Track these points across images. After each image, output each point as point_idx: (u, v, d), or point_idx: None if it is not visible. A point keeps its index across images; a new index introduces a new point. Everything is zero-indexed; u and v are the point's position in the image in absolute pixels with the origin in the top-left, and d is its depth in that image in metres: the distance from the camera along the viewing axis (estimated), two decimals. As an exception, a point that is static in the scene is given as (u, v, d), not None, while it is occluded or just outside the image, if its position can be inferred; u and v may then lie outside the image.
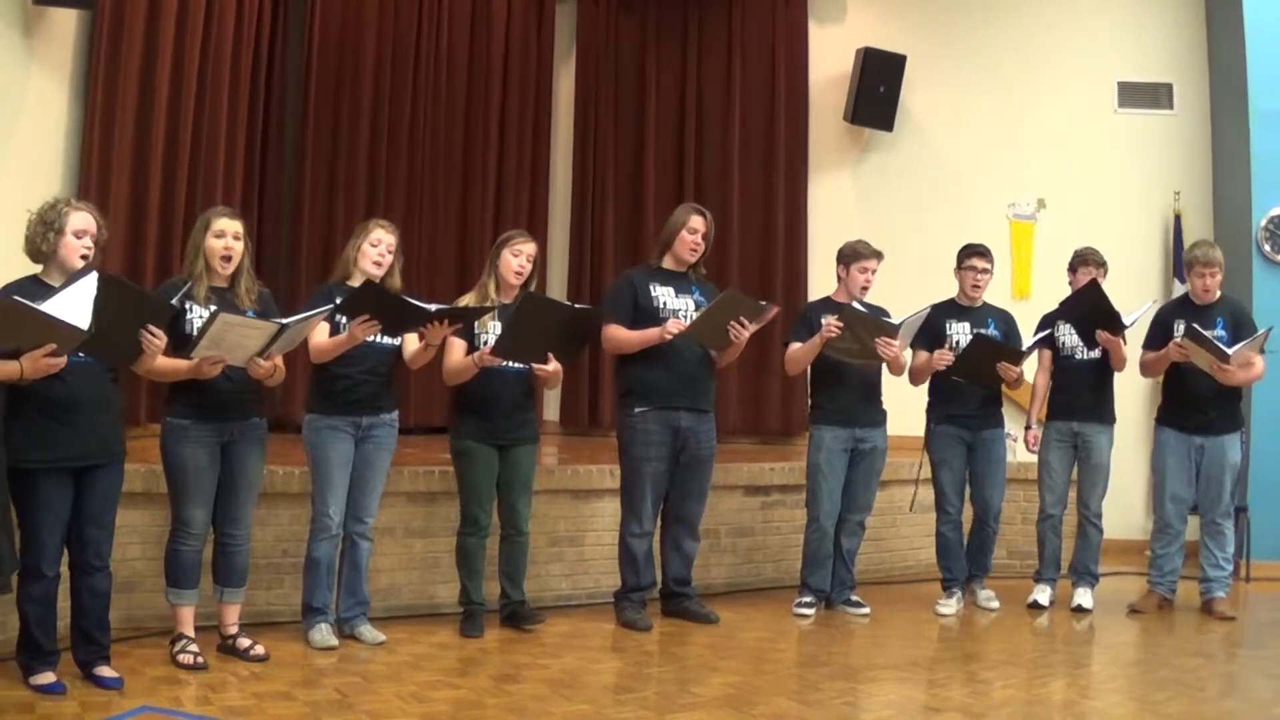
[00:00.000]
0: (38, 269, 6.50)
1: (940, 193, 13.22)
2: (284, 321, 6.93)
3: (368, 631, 7.92)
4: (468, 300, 8.31)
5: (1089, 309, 9.34)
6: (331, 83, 12.68)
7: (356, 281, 7.80)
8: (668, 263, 8.92)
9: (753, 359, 11.77)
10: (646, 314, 8.69)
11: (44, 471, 6.33)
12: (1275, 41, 11.95)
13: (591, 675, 7.42)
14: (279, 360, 7.12)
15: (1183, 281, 11.34)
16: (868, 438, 9.34)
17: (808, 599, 9.37)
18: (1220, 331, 9.36)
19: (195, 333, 6.78)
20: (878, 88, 13.12)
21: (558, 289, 13.60)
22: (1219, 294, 9.60)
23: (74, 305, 5.96)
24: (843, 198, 13.52)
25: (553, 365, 8.21)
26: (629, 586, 8.86)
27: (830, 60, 13.52)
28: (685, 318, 8.62)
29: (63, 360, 6.05)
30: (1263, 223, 11.81)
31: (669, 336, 8.51)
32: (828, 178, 13.62)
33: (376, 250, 7.84)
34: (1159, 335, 9.61)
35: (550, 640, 8.23)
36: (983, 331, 9.52)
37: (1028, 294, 12.71)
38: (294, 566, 8.13)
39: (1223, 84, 12.75)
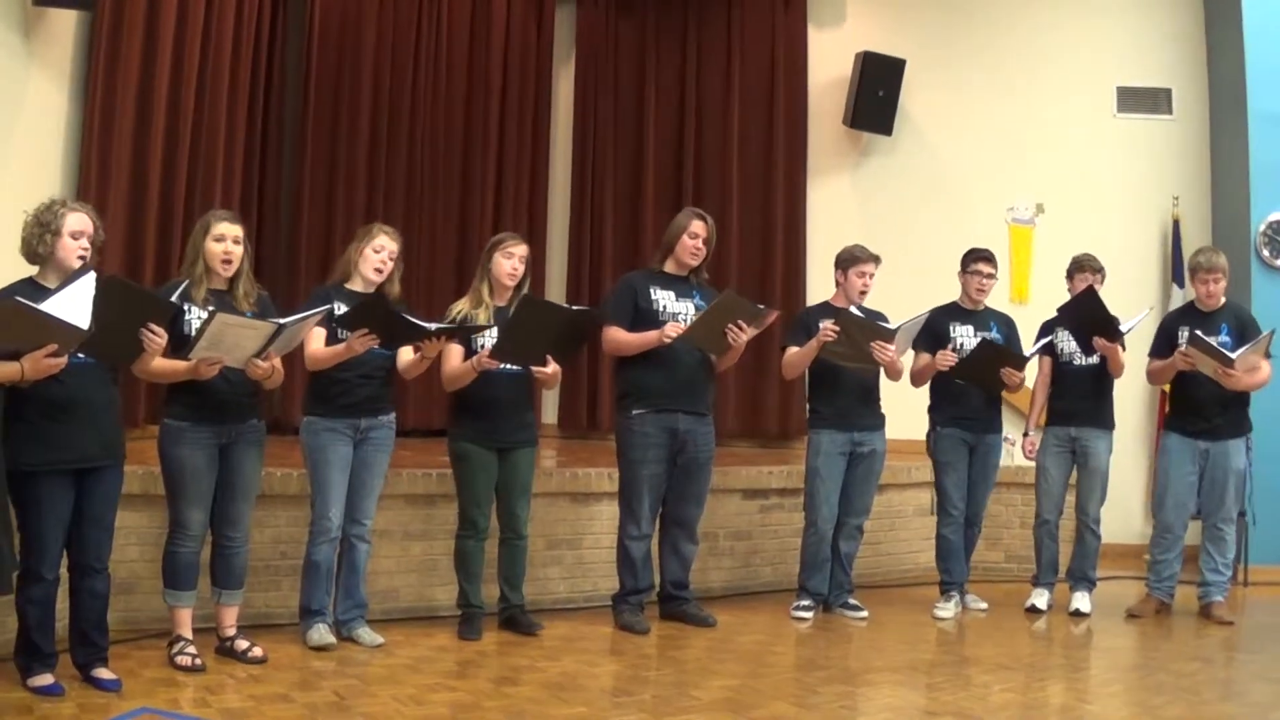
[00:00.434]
0: (35, 271, 6.50)
1: (939, 197, 13.22)
2: (281, 321, 6.93)
3: (366, 634, 7.92)
4: (461, 305, 8.28)
5: (1085, 316, 9.34)
6: (331, 85, 12.69)
7: (356, 284, 7.82)
8: (669, 266, 8.92)
9: (751, 363, 11.77)
10: (647, 317, 8.69)
11: (45, 473, 6.33)
12: (1274, 47, 11.96)
13: (589, 678, 7.42)
14: (277, 362, 7.11)
15: (1181, 286, 11.40)
16: (866, 441, 9.34)
17: (806, 602, 9.37)
18: (1225, 337, 9.35)
19: (193, 334, 6.77)
20: (877, 92, 13.12)
21: (556, 292, 13.60)
22: (1223, 300, 9.61)
23: (73, 305, 5.96)
24: (842, 202, 13.52)
25: (551, 367, 8.22)
26: (627, 589, 8.86)
27: (829, 64, 13.52)
28: (685, 321, 8.62)
29: (64, 360, 6.05)
30: (1261, 228, 11.81)
31: (668, 339, 8.51)
32: (827, 182, 13.63)
33: (379, 256, 7.84)
34: (1164, 343, 9.62)
35: (548, 643, 8.22)
36: (988, 336, 9.53)
37: (1026, 298, 12.70)
38: (292, 568, 8.13)
39: (1222, 89, 12.76)
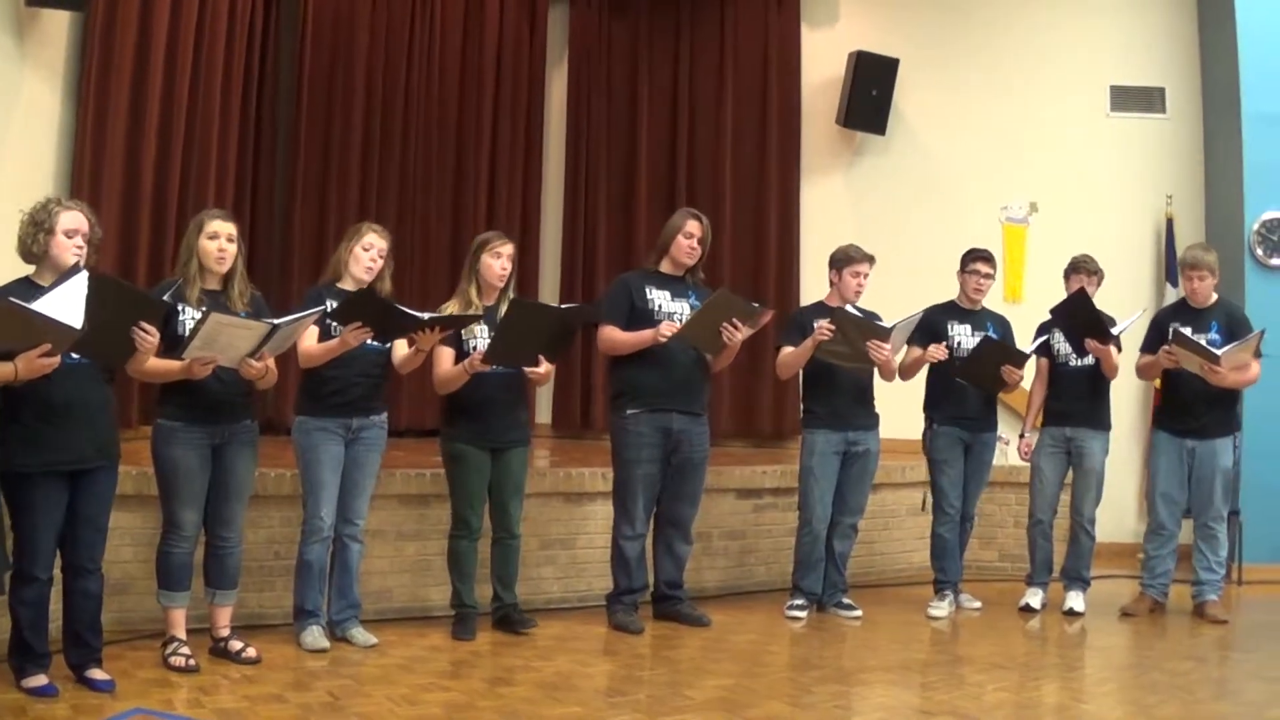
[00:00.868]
0: (31, 270, 6.49)
1: (933, 196, 13.22)
2: (276, 321, 6.92)
3: (359, 634, 7.91)
4: (450, 307, 8.25)
5: (1076, 318, 9.35)
6: (324, 85, 12.67)
7: (347, 284, 7.81)
8: (665, 266, 8.92)
9: (745, 362, 11.76)
10: (642, 316, 8.68)
11: (39, 475, 6.32)
12: (1267, 46, 11.97)
13: (583, 678, 7.42)
14: (271, 362, 7.11)
15: (1175, 286, 11.39)
16: (860, 441, 9.34)
17: (800, 602, 9.37)
18: (1214, 335, 9.37)
19: (187, 333, 6.76)
20: (870, 91, 13.12)
21: (550, 292, 13.60)
22: (1215, 298, 9.63)
23: (66, 304, 5.94)
24: (835, 201, 13.52)
25: (544, 367, 8.22)
26: (621, 589, 8.85)
27: (822, 63, 13.52)
28: (680, 321, 8.61)
29: (57, 360, 6.03)
30: (1255, 227, 11.83)
31: (663, 338, 8.50)
32: (820, 181, 13.62)
33: (369, 255, 7.84)
34: (1155, 339, 9.62)
35: (542, 643, 8.22)
36: (989, 335, 9.54)
37: (1019, 297, 12.71)
38: (285, 569, 8.12)
39: (1215, 88, 12.77)
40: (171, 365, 6.79)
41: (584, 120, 13.89)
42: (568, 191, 13.94)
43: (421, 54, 13.14)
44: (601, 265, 13.56)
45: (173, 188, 11.11)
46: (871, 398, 9.49)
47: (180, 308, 6.97)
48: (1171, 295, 12.04)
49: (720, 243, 12.72)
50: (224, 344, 6.76)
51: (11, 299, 5.88)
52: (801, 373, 9.46)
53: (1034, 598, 9.80)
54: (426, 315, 7.70)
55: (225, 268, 7.17)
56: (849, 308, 9.14)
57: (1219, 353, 9.03)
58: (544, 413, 13.59)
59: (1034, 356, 9.77)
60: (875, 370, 9.31)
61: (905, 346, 9.52)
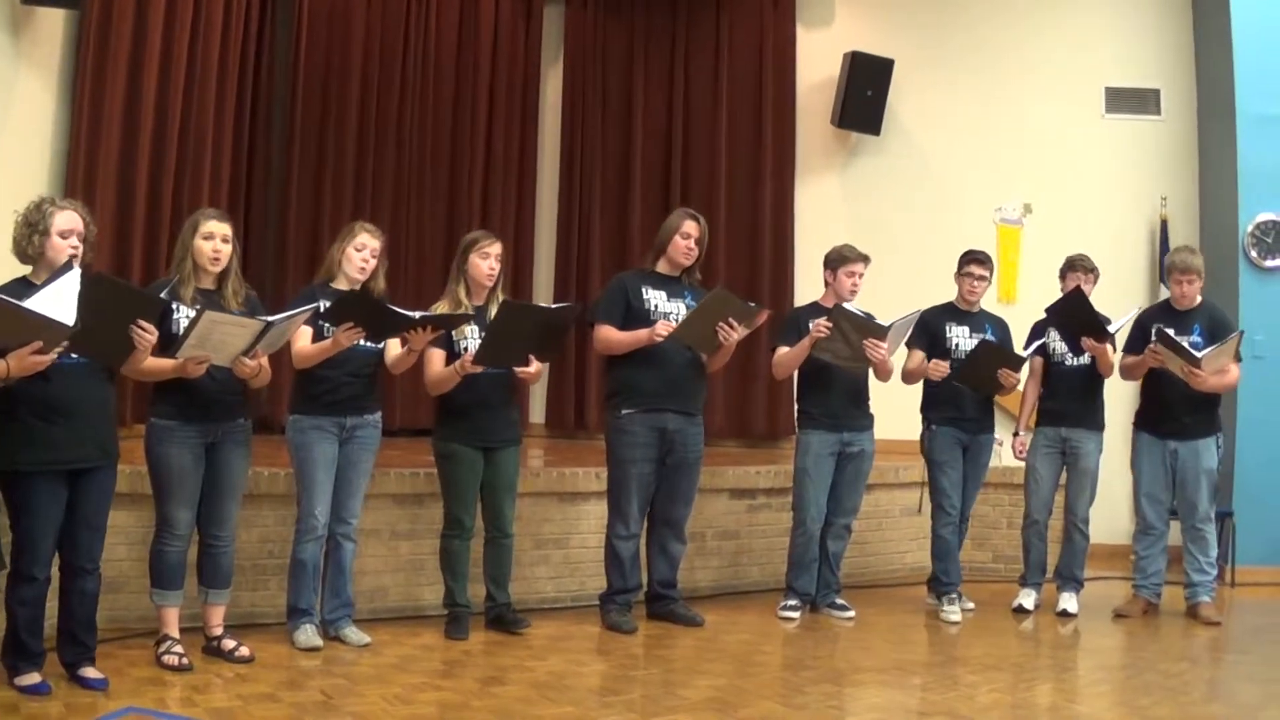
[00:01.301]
0: (28, 270, 6.49)
1: (927, 197, 13.23)
2: (269, 319, 6.92)
3: (353, 633, 7.91)
4: (439, 307, 8.24)
5: (1073, 316, 9.36)
6: (319, 84, 12.67)
7: (341, 283, 7.81)
8: (661, 267, 8.92)
9: (739, 362, 11.75)
10: (638, 316, 8.69)
11: (37, 474, 6.31)
12: (1262, 47, 11.96)
13: (577, 678, 7.42)
14: (264, 360, 7.11)
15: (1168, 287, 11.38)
16: (855, 441, 9.35)
17: (793, 602, 9.38)
18: (1196, 337, 9.39)
19: (181, 332, 6.75)
20: (865, 92, 13.12)
21: (544, 292, 13.62)
22: (1199, 300, 9.64)
23: (57, 302, 5.93)
24: (830, 202, 13.52)
25: (534, 366, 8.22)
26: (615, 589, 8.85)
27: (818, 64, 13.53)
28: (677, 321, 8.60)
29: (48, 358, 6.02)
30: (1249, 228, 11.81)
31: (658, 338, 8.50)
32: (815, 182, 13.63)
33: (361, 255, 7.83)
34: (1138, 339, 9.62)
35: (536, 643, 8.22)
36: (987, 338, 9.54)
37: (1014, 298, 12.72)
38: (279, 568, 8.12)
39: (1210, 90, 12.77)
40: (165, 364, 6.78)
41: (579, 120, 13.89)
42: (562, 191, 13.94)
43: (416, 53, 13.14)
44: (596, 265, 13.56)
45: (167, 186, 11.13)
46: (867, 399, 9.49)
47: (175, 306, 6.96)
48: (1165, 297, 12.04)
49: (715, 243, 12.61)
50: (217, 342, 6.75)
51: (1, 295, 5.87)
52: (797, 373, 9.46)
53: (1027, 599, 9.80)
54: (418, 315, 7.70)
55: (220, 268, 7.17)
56: (847, 306, 9.13)
57: (1199, 355, 9.04)
58: (538, 412, 13.60)
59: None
60: (871, 371, 9.31)
61: (905, 348, 9.53)
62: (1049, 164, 13.20)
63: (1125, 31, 13.28)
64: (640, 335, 8.60)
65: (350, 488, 7.87)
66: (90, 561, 6.60)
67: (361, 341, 7.58)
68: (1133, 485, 9.92)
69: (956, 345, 9.59)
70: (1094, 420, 9.75)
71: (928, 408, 9.80)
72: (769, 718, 6.67)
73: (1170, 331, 9.28)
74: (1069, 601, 9.69)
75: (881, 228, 12.63)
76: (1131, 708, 7.01)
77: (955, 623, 9.40)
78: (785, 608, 9.36)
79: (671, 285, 8.87)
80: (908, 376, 9.66)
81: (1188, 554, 9.71)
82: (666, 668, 7.77)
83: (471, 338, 8.11)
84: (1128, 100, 13.24)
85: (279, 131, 12.67)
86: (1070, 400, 9.70)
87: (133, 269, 10.64)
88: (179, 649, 7.11)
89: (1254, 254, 11.79)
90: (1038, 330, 9.83)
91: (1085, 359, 9.56)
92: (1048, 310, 9.57)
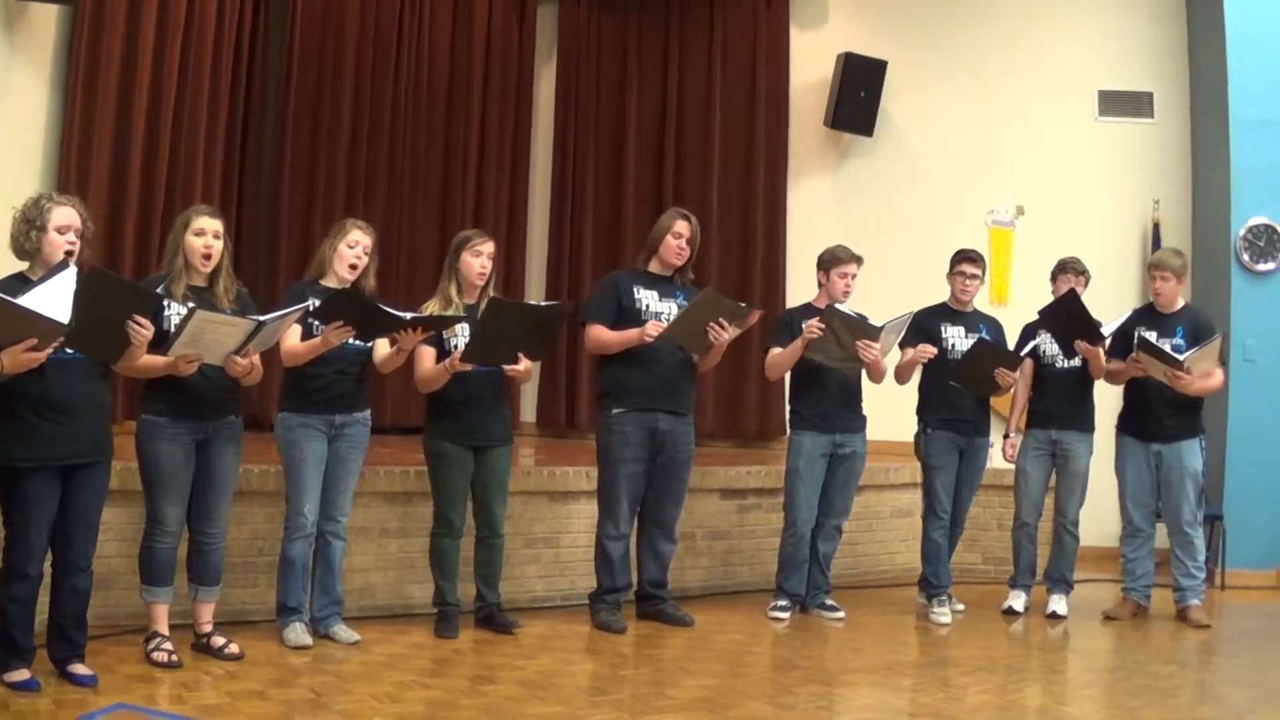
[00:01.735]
0: (25, 266, 6.49)
1: (920, 199, 13.24)
2: (261, 319, 6.91)
3: (342, 631, 7.90)
4: (430, 306, 8.24)
5: (1066, 319, 9.36)
6: (312, 82, 12.66)
7: (331, 281, 7.80)
8: (653, 266, 8.92)
9: (730, 363, 11.75)
10: (629, 316, 8.68)
11: (31, 470, 6.31)
12: (1256, 50, 11.98)
13: (566, 677, 7.42)
14: (256, 359, 7.10)
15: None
16: (847, 443, 9.35)
17: (783, 602, 9.38)
18: (1179, 340, 9.40)
19: (172, 330, 6.75)
20: (858, 93, 13.13)
21: (536, 291, 13.61)
22: (1182, 303, 9.67)
23: (53, 299, 5.93)
24: (822, 203, 13.53)
25: (523, 365, 8.21)
26: (604, 588, 8.85)
27: (811, 65, 13.53)
28: (668, 321, 8.60)
29: (44, 355, 6.01)
30: (1242, 232, 11.82)
31: (649, 338, 8.50)
32: (807, 183, 13.63)
33: (353, 252, 7.82)
34: (1121, 343, 9.61)
35: (525, 641, 8.22)
36: (983, 338, 9.55)
37: (1006, 300, 12.71)
38: (269, 565, 8.11)
39: (1203, 93, 12.78)
40: (156, 361, 6.77)
41: (572, 119, 13.89)
42: (555, 190, 13.94)
43: (410, 50, 13.13)
44: (588, 264, 13.56)
45: (160, 183, 11.14)
46: (859, 400, 9.48)
47: (166, 304, 6.96)
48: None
49: (707, 243, 12.71)
50: (209, 341, 6.74)
51: (-4, 293, 5.88)
52: (790, 374, 9.48)
53: (1017, 600, 9.81)
54: (408, 315, 7.69)
55: (211, 264, 7.15)
56: (840, 306, 9.13)
57: (1183, 359, 9.06)
58: (529, 412, 13.60)
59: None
60: (864, 373, 9.31)
61: (898, 349, 9.53)
62: (1042, 166, 13.21)
63: (1118, 34, 13.29)
64: (631, 335, 8.59)
65: (339, 486, 7.86)
66: (83, 559, 6.60)
67: (351, 340, 7.58)
68: (1118, 489, 9.93)
69: (952, 346, 9.58)
70: (1084, 422, 9.76)
71: (924, 410, 9.79)
72: (758, 718, 6.66)
73: (1152, 335, 9.33)
74: (1059, 603, 9.70)
75: (874, 229, 12.62)
76: (1120, 710, 7.03)
77: (945, 624, 9.40)
78: (775, 608, 9.36)
79: (663, 285, 8.87)
80: (902, 374, 9.66)
81: (1175, 560, 9.71)
82: (656, 667, 7.77)
83: (462, 336, 8.09)
84: (1121, 103, 13.25)
85: (272, 129, 12.67)
86: (1060, 402, 9.71)
87: (124, 265, 10.65)
88: (168, 646, 7.10)
89: (1246, 257, 11.80)
90: (1028, 332, 9.83)
91: (1076, 361, 9.57)
92: (1041, 312, 9.57)
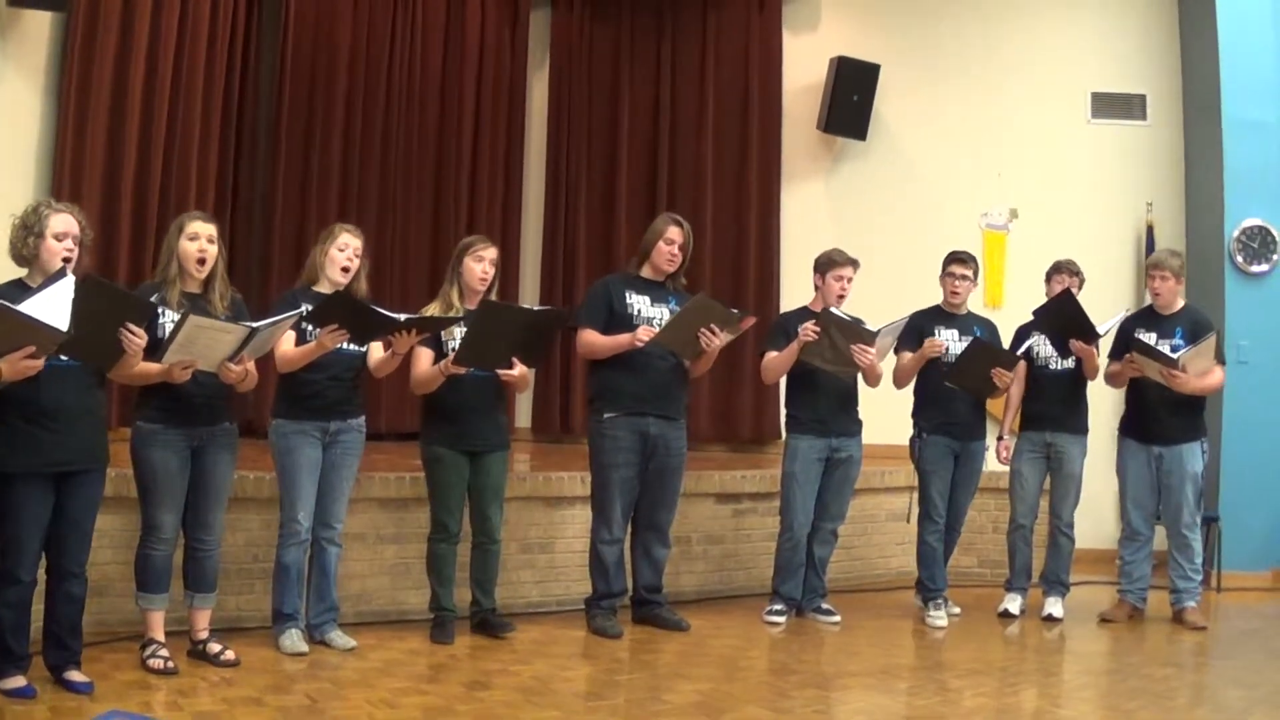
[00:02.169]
0: (25, 273, 6.50)
1: (913, 202, 13.24)
2: (255, 325, 6.90)
3: (338, 637, 7.89)
4: (431, 310, 8.24)
5: (1062, 319, 9.36)
6: (305, 87, 12.65)
7: (324, 286, 7.79)
8: (646, 272, 8.91)
9: (724, 367, 11.77)
10: (621, 321, 8.68)
11: (23, 476, 6.31)
12: (1248, 52, 11.99)
13: (562, 682, 7.42)
14: (250, 365, 7.10)
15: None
16: (843, 447, 9.34)
17: (779, 607, 9.37)
18: (1178, 341, 9.40)
19: (166, 336, 6.74)
20: (851, 96, 13.13)
21: (530, 296, 13.59)
22: (1181, 303, 9.68)
23: (51, 306, 5.93)
24: (816, 206, 13.53)
25: (518, 370, 8.22)
26: (599, 594, 8.85)
27: (804, 69, 13.52)
28: (660, 327, 8.60)
29: (41, 362, 6.02)
30: (1235, 234, 11.83)
31: (640, 342, 8.50)
32: (801, 186, 13.62)
33: (344, 255, 7.81)
34: (1121, 345, 9.62)
35: (521, 647, 8.21)
36: (978, 338, 9.53)
37: (999, 303, 12.71)
38: (264, 572, 8.09)
39: (1196, 95, 12.78)
40: (150, 368, 6.77)
41: (565, 123, 13.88)
42: (548, 195, 13.93)
43: (403, 56, 13.12)
44: (582, 269, 13.55)
45: (153, 189, 11.14)
46: (855, 404, 9.48)
47: (160, 310, 6.96)
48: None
49: (701, 247, 12.62)
50: (203, 347, 6.74)
51: (-3, 300, 5.88)
52: (785, 378, 9.46)
53: (1013, 603, 9.80)
54: (403, 317, 7.68)
55: (205, 270, 7.15)
56: (835, 310, 9.13)
57: (1177, 357, 9.06)
58: (524, 417, 13.58)
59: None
60: (860, 377, 9.31)
61: (893, 354, 9.52)
62: (1035, 169, 13.22)
63: (1111, 36, 13.30)
64: (622, 340, 8.59)
65: (334, 492, 7.86)
66: (77, 565, 6.60)
67: (345, 344, 7.57)
68: (1118, 491, 9.93)
69: (946, 348, 9.57)
70: (1078, 424, 9.75)
71: (920, 414, 9.76)
72: (755, 722, 6.68)
73: (1152, 337, 9.36)
74: (1054, 606, 9.70)
75: (867, 232, 12.61)
76: (1117, 712, 7.03)
77: (941, 628, 9.40)
78: (771, 613, 9.35)
79: (655, 290, 8.87)
80: (901, 377, 9.65)
81: (1173, 561, 9.72)
82: (651, 672, 7.77)
83: (459, 338, 8.09)
84: (1113, 105, 13.26)
85: (265, 135, 12.66)
86: (1054, 404, 9.70)
87: (118, 272, 10.65)
88: (164, 653, 7.10)
89: (1240, 259, 11.80)
90: (1022, 334, 9.83)
91: (1070, 363, 9.58)
92: (1036, 312, 9.58)
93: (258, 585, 8.28)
